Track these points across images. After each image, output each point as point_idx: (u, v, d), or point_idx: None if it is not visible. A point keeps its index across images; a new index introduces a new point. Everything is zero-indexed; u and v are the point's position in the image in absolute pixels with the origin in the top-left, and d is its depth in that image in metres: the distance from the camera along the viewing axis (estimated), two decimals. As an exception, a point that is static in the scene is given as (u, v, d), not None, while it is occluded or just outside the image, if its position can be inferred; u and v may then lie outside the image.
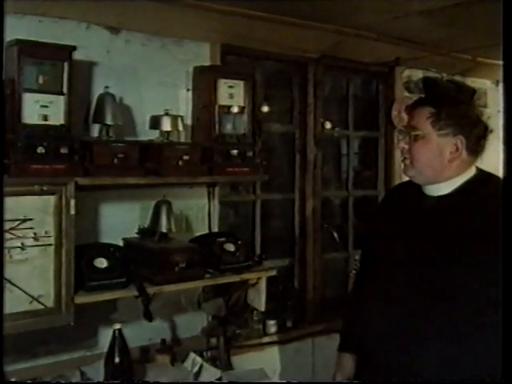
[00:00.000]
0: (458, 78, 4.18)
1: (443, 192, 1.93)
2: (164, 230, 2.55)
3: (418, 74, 4.01)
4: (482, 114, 1.98)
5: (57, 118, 2.17)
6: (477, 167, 1.96)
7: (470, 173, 1.94)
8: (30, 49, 2.10)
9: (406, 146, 1.94)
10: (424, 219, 1.95)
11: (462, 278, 1.81)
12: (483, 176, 1.96)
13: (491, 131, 1.96)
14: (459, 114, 1.89)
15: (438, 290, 1.84)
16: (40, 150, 2.11)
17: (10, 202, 2.01)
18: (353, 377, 2.19)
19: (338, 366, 2.25)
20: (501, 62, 4.18)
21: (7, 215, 2.02)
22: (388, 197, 2.36)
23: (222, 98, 2.71)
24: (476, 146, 1.92)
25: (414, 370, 1.87)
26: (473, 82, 4.34)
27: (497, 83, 4.63)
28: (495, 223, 1.73)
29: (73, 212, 2.19)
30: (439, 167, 1.90)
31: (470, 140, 1.89)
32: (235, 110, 2.74)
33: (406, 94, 3.95)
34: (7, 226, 2.04)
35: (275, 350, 3.29)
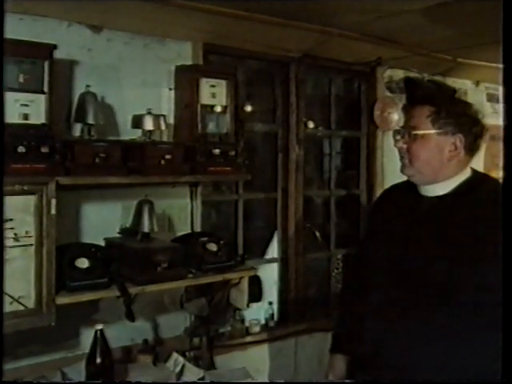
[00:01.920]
0: (438, 78, 4.23)
1: (441, 192, 1.94)
2: (146, 229, 2.54)
3: (400, 74, 4.04)
4: (478, 113, 1.99)
5: (37, 117, 2.15)
6: (471, 167, 1.98)
7: (467, 173, 1.95)
8: (10, 47, 2.06)
9: (405, 146, 1.94)
10: (423, 220, 1.94)
11: (461, 278, 1.81)
12: (479, 176, 1.97)
13: (487, 130, 1.98)
14: (458, 112, 1.90)
15: (436, 291, 1.85)
16: (20, 149, 2.09)
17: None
18: (345, 378, 2.20)
19: (329, 367, 2.26)
20: (480, 63, 4.24)
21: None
22: (382, 198, 2.34)
23: (205, 98, 2.71)
24: (473, 145, 1.93)
25: (411, 371, 1.88)
26: (453, 82, 4.39)
27: (477, 83, 4.67)
28: (494, 224, 1.75)
29: (54, 212, 2.17)
30: (438, 166, 1.91)
31: (469, 139, 1.90)
32: (218, 109, 2.74)
33: (388, 93, 3.98)
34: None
35: (258, 349, 3.30)
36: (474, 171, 1.97)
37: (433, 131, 1.89)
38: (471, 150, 1.93)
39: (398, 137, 1.97)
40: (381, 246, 2.04)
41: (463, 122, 1.89)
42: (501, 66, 1.57)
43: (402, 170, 1.99)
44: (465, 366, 1.82)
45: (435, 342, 1.85)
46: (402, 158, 1.97)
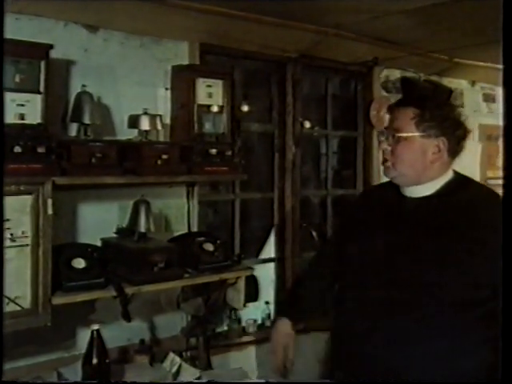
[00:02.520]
0: (434, 78, 4.23)
1: (425, 193, 1.94)
2: (143, 229, 2.54)
3: (396, 74, 4.05)
4: (461, 115, 2.00)
5: (34, 116, 2.14)
6: (453, 169, 1.99)
7: (449, 174, 1.96)
8: (6, 47, 2.05)
9: (389, 148, 1.94)
10: (408, 220, 1.95)
11: (448, 278, 1.83)
12: (461, 178, 1.98)
13: (469, 132, 1.99)
14: (442, 115, 1.91)
15: (423, 290, 1.86)
16: (17, 149, 2.08)
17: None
18: (292, 344, 2.25)
19: (274, 330, 2.31)
20: (477, 63, 4.25)
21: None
22: (364, 196, 2.35)
23: (201, 98, 2.71)
24: (456, 148, 1.95)
25: (394, 368, 1.88)
26: (449, 82, 4.39)
27: (473, 83, 4.69)
28: (478, 224, 1.81)
29: (50, 212, 2.17)
30: (421, 168, 1.92)
31: (452, 142, 1.92)
32: (214, 109, 2.74)
33: (384, 93, 3.99)
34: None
35: (255, 349, 3.29)
36: (456, 173, 1.99)
37: (417, 134, 1.89)
38: (454, 152, 1.95)
39: (382, 138, 1.98)
40: (363, 245, 2.03)
41: (447, 125, 1.90)
42: (497, 66, 1.58)
43: (385, 172, 2.00)
44: (451, 365, 1.84)
45: (421, 340, 1.86)
46: (385, 160, 1.97)
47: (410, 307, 1.86)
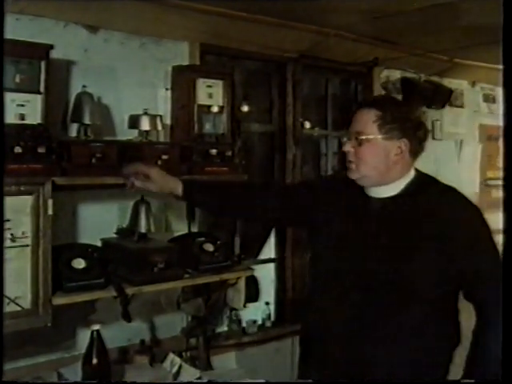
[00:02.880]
0: (435, 78, 4.24)
1: (389, 194, 1.97)
2: (143, 230, 2.54)
3: (396, 75, 4.05)
4: (422, 116, 2.05)
5: (34, 117, 2.14)
6: (414, 167, 2.02)
7: (411, 174, 1.99)
8: (6, 47, 2.05)
9: (352, 150, 1.96)
10: (373, 221, 1.97)
11: (415, 276, 1.88)
12: (423, 177, 2.02)
13: (429, 132, 2.04)
14: (403, 117, 1.93)
15: (391, 289, 1.89)
16: (17, 149, 2.08)
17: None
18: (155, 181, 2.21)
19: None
20: (477, 63, 4.25)
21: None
22: (330, 183, 2.31)
23: (201, 98, 2.71)
24: (418, 148, 1.97)
25: (366, 368, 1.93)
26: (449, 82, 4.41)
27: (473, 84, 4.69)
28: (442, 222, 1.87)
29: (50, 212, 2.17)
30: (384, 170, 1.94)
31: (413, 142, 1.94)
32: (214, 109, 2.74)
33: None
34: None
35: (255, 349, 3.30)
36: (417, 171, 2.02)
37: (379, 136, 1.91)
38: (415, 153, 1.97)
39: (345, 139, 1.99)
40: (328, 246, 2.06)
41: (408, 126, 1.92)
42: (497, 66, 1.58)
43: (349, 174, 2.00)
44: (419, 361, 1.91)
45: (390, 337, 1.90)
46: (349, 161, 1.98)
47: (380, 306, 1.90)
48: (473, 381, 1.86)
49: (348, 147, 1.96)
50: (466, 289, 1.94)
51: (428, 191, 1.97)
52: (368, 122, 1.92)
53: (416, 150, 1.96)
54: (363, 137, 1.92)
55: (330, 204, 2.10)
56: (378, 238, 1.93)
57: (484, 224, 1.93)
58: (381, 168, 1.93)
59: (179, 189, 2.20)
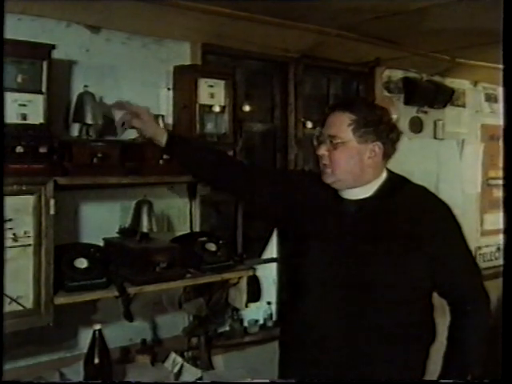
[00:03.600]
0: (437, 78, 4.23)
1: (363, 196, 1.98)
2: (145, 230, 2.54)
3: (398, 75, 4.05)
4: (392, 118, 2.06)
5: (36, 117, 2.14)
6: (386, 168, 2.04)
7: (383, 175, 2.01)
8: (8, 47, 2.05)
9: (327, 153, 1.96)
10: (348, 222, 1.98)
11: (390, 277, 1.90)
12: (395, 177, 2.04)
13: (402, 134, 2.05)
14: (376, 120, 1.94)
15: (370, 290, 1.91)
16: (19, 149, 2.09)
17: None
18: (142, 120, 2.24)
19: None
20: (479, 63, 4.25)
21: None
22: (305, 179, 2.27)
23: (203, 98, 2.71)
24: (390, 150, 1.99)
25: (351, 368, 1.94)
26: (451, 82, 4.40)
27: (475, 83, 4.68)
28: (416, 223, 1.90)
29: (52, 212, 2.17)
30: (358, 172, 1.95)
31: (386, 145, 1.96)
32: (216, 109, 2.74)
33: (387, 94, 3.98)
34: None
35: (257, 349, 3.29)
36: (389, 172, 2.04)
37: (354, 140, 1.93)
38: (389, 155, 1.99)
39: (318, 142, 2.00)
40: (302, 247, 2.06)
41: (381, 129, 1.94)
42: (499, 66, 1.58)
43: (324, 177, 2.01)
44: (400, 359, 1.95)
45: (371, 336, 1.92)
46: (323, 165, 1.99)
47: (359, 307, 1.92)
48: (471, 380, 1.89)
49: (322, 150, 1.97)
50: (440, 286, 1.97)
51: (400, 192, 1.99)
52: (342, 126, 1.93)
53: (389, 152, 1.99)
54: (338, 140, 1.93)
55: (304, 201, 2.10)
56: (354, 238, 1.95)
57: (455, 221, 1.97)
58: (355, 171, 1.95)
59: (163, 137, 2.23)
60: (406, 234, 1.90)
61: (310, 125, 3.69)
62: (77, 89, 2.47)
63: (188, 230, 2.93)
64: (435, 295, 2.02)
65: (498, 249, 4.63)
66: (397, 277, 1.90)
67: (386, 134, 1.95)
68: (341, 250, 1.95)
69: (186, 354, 2.82)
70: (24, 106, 2.12)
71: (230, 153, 2.75)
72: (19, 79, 2.11)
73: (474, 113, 4.69)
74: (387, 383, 1.93)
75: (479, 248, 4.50)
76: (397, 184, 2.01)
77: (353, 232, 1.95)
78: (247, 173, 2.31)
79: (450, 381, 1.90)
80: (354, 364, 1.94)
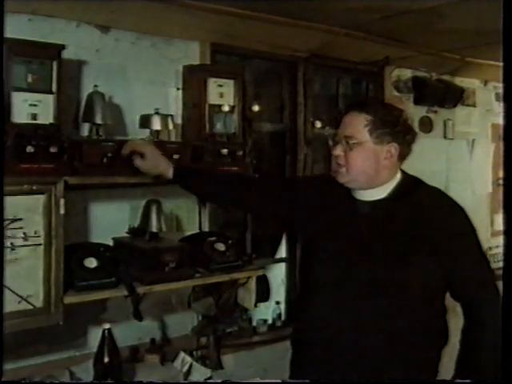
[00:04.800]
0: (446, 77, 4.21)
1: (378, 197, 1.98)
2: (154, 229, 2.54)
3: (407, 74, 4.03)
4: (410, 119, 2.04)
5: (46, 116, 2.15)
6: (400, 169, 2.03)
7: (398, 176, 2.00)
8: (18, 47, 2.08)
9: (342, 153, 1.96)
10: (362, 223, 1.98)
11: (407, 277, 1.90)
12: (409, 179, 2.03)
13: (417, 135, 2.04)
14: (393, 121, 1.94)
15: (384, 291, 1.90)
16: (29, 149, 2.09)
17: (-2, 201, 2.00)
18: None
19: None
20: (489, 62, 4.23)
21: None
22: (317, 183, 2.31)
23: (212, 97, 2.71)
24: (406, 152, 1.98)
25: (363, 369, 1.94)
26: (461, 81, 4.38)
27: (485, 83, 4.66)
28: (431, 223, 1.90)
29: (62, 211, 2.18)
30: (374, 173, 1.95)
31: (402, 146, 1.96)
32: (225, 109, 2.74)
33: (396, 93, 3.97)
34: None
35: (265, 349, 3.29)
36: (403, 173, 2.03)
37: (370, 141, 1.92)
38: (404, 156, 1.99)
39: (335, 143, 2.00)
40: (317, 249, 2.07)
41: (398, 130, 1.94)
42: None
43: (338, 177, 2.00)
44: (412, 361, 1.94)
45: (384, 338, 1.91)
46: (338, 165, 1.98)
47: (373, 308, 1.91)
48: (469, 381, 1.87)
49: (338, 151, 1.97)
50: (453, 288, 1.96)
51: (414, 193, 1.98)
52: (359, 126, 1.92)
53: (405, 154, 1.98)
54: (354, 141, 1.92)
55: (317, 204, 2.11)
56: (368, 240, 1.94)
57: (469, 223, 1.96)
58: (370, 172, 1.94)
59: (170, 172, 2.26)
60: (420, 235, 1.89)
61: (319, 124, 3.68)
62: (86, 89, 2.48)
63: (197, 230, 2.93)
64: (447, 297, 2.01)
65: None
66: (410, 278, 1.89)
67: (402, 135, 1.94)
68: (355, 250, 1.95)
69: (194, 353, 2.82)
70: (34, 105, 2.13)
71: (240, 153, 2.75)
72: (29, 79, 2.11)
73: (484, 112, 4.67)
74: (397, 383, 1.92)
75: (490, 249, 4.47)
76: (411, 185, 2.00)
77: (367, 233, 1.95)
78: (257, 189, 2.33)
79: (451, 381, 1.91)
80: (366, 364, 1.93)
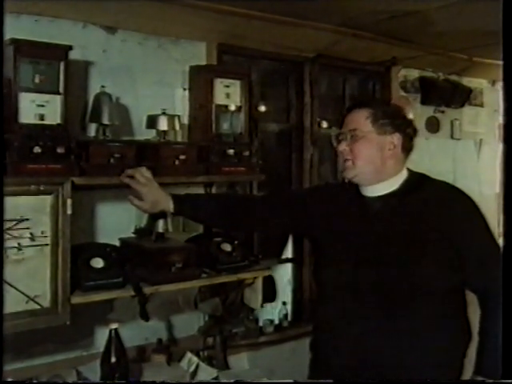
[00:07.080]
0: (454, 77, 4.20)
1: (386, 191, 1.99)
2: (161, 230, 2.54)
3: (415, 74, 4.03)
4: (408, 114, 2.10)
5: (53, 117, 2.16)
6: (406, 167, 2.05)
7: (404, 172, 2.02)
8: (26, 48, 2.08)
9: (348, 148, 1.99)
10: (374, 219, 1.99)
11: (425, 271, 1.89)
12: (416, 175, 2.05)
13: (418, 131, 2.08)
14: (393, 112, 2.01)
15: (403, 287, 1.90)
16: (36, 149, 2.10)
17: (6, 201, 1.99)
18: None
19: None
20: (497, 62, 4.21)
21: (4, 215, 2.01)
22: (320, 191, 2.34)
23: (219, 98, 2.71)
24: (409, 145, 2.02)
25: (379, 368, 1.92)
26: (469, 81, 4.36)
27: (493, 83, 4.64)
28: (443, 217, 1.91)
29: (69, 212, 2.18)
30: (379, 164, 1.97)
31: (404, 138, 1.99)
32: (232, 109, 2.74)
33: (403, 93, 3.96)
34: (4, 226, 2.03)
35: (272, 349, 3.29)
36: (410, 170, 2.05)
37: (373, 131, 1.96)
38: (407, 149, 2.02)
39: (338, 139, 2.03)
40: (332, 250, 2.06)
41: (399, 122, 1.99)
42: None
43: (345, 172, 2.04)
44: (434, 360, 1.91)
45: (404, 336, 1.90)
46: (345, 160, 2.01)
47: (392, 306, 1.91)
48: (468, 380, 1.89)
49: (343, 146, 2.00)
50: (468, 278, 1.95)
51: (424, 187, 2.00)
52: (361, 120, 1.97)
53: (407, 146, 2.01)
54: (358, 133, 1.96)
55: (327, 211, 2.12)
56: (383, 236, 1.94)
57: (481, 214, 1.97)
58: (376, 163, 1.97)
59: (170, 206, 2.19)
60: (433, 228, 1.90)
61: (325, 125, 3.68)
62: (93, 89, 2.49)
63: (203, 231, 2.93)
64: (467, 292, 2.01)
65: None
66: (428, 271, 1.89)
67: (403, 128, 1.99)
68: (369, 248, 1.94)
69: (201, 353, 2.83)
70: (42, 106, 2.13)
71: (246, 153, 2.74)
72: (37, 80, 2.12)
73: (491, 112, 4.65)
74: (416, 383, 1.91)
75: (497, 249, 4.46)
76: (419, 180, 2.02)
77: (380, 229, 1.95)
78: (260, 209, 2.31)
79: (451, 381, 1.91)
80: (391, 367, 1.91)
